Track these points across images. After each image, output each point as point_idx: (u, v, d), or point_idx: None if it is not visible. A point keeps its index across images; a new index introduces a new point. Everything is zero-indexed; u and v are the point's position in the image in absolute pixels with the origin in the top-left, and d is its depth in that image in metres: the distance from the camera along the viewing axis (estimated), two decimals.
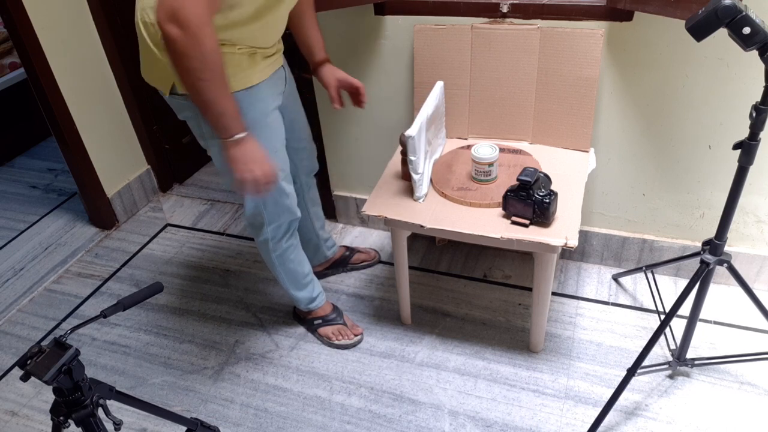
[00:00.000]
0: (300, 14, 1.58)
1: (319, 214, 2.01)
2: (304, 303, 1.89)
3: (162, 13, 1.11)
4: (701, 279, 1.46)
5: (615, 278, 2.06)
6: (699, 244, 1.95)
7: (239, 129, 1.29)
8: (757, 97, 1.22)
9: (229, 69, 1.32)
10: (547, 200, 1.48)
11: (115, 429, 1.25)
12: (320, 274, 2.16)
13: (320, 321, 1.93)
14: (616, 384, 1.56)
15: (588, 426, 1.59)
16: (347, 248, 2.22)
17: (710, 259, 1.44)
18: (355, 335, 1.91)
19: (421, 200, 1.67)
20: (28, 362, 1.10)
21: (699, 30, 1.14)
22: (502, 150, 1.80)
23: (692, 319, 1.55)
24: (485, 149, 1.66)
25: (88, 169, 2.45)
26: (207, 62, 1.16)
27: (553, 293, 2.02)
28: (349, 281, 2.17)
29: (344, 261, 2.18)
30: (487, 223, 1.57)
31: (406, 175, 1.75)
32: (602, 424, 1.58)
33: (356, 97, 1.67)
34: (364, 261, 2.21)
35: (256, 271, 2.26)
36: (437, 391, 1.74)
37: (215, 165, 1.55)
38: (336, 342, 1.90)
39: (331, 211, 2.47)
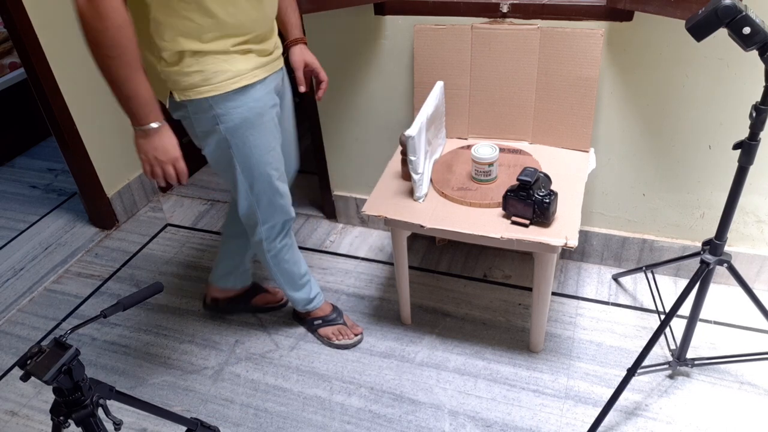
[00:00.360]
0: None
1: None
2: (302, 304, 1.87)
3: None
4: (701, 279, 1.46)
5: (615, 278, 2.06)
6: (699, 244, 1.95)
7: (150, 119, 1.26)
8: (757, 97, 1.22)
9: (221, 66, 1.31)
10: (547, 200, 1.48)
11: (115, 429, 1.25)
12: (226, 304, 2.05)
13: (320, 321, 1.91)
14: (616, 384, 1.56)
15: (588, 426, 1.59)
16: (254, 285, 2.07)
17: (710, 259, 1.44)
18: (356, 335, 1.90)
19: (421, 200, 1.67)
20: (28, 362, 1.10)
21: (699, 30, 1.14)
22: (502, 150, 1.80)
23: (692, 319, 1.55)
24: (485, 149, 1.66)
25: (88, 169, 2.45)
26: (113, 38, 1.14)
27: (553, 293, 2.02)
28: (349, 281, 2.17)
29: (246, 297, 2.03)
30: (487, 223, 1.57)
31: (406, 175, 1.75)
32: (602, 424, 1.58)
33: (317, 88, 1.65)
34: (269, 302, 2.07)
35: (255, 271, 2.25)
36: (437, 391, 1.74)
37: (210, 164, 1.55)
38: (336, 342, 1.89)
39: (331, 211, 2.47)
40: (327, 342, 1.91)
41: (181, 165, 1.34)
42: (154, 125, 1.27)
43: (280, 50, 1.50)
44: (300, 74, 1.60)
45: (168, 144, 1.31)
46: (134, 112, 1.25)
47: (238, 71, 1.35)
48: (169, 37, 1.26)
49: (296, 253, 1.78)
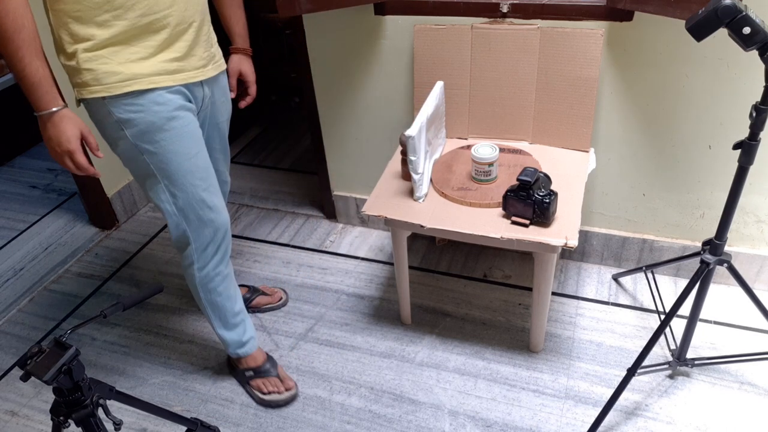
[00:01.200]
0: (222, 3, 1.54)
1: None
2: (233, 347, 1.69)
3: None
4: (701, 279, 1.46)
5: (615, 278, 2.06)
6: (699, 244, 1.95)
7: (43, 105, 1.19)
8: (757, 97, 1.22)
9: (113, 67, 1.23)
10: (547, 200, 1.48)
11: (115, 429, 1.25)
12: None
13: (251, 373, 1.73)
14: (616, 384, 1.57)
15: (588, 426, 1.59)
16: (249, 289, 2.04)
17: (710, 259, 1.44)
18: (287, 389, 1.71)
19: (421, 200, 1.67)
20: (28, 362, 1.10)
21: (699, 30, 1.14)
22: (502, 150, 1.80)
23: (692, 319, 1.55)
24: (485, 149, 1.66)
25: None
26: (4, 18, 1.09)
27: (553, 293, 2.02)
28: (349, 281, 2.17)
29: (244, 301, 1.90)
30: (487, 223, 1.57)
31: (406, 175, 1.75)
32: (602, 424, 1.58)
33: (243, 94, 1.64)
34: (268, 304, 2.04)
35: (255, 271, 2.26)
36: (437, 391, 1.74)
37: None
38: (266, 398, 1.71)
39: (331, 211, 2.47)
40: (257, 398, 1.73)
41: (78, 158, 1.25)
42: (47, 112, 1.19)
43: (210, 63, 1.41)
44: (233, 81, 1.60)
45: (62, 134, 1.22)
46: (30, 97, 1.18)
47: (133, 74, 1.25)
48: (61, 23, 1.20)
49: (232, 287, 1.62)
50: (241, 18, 1.58)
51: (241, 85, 1.65)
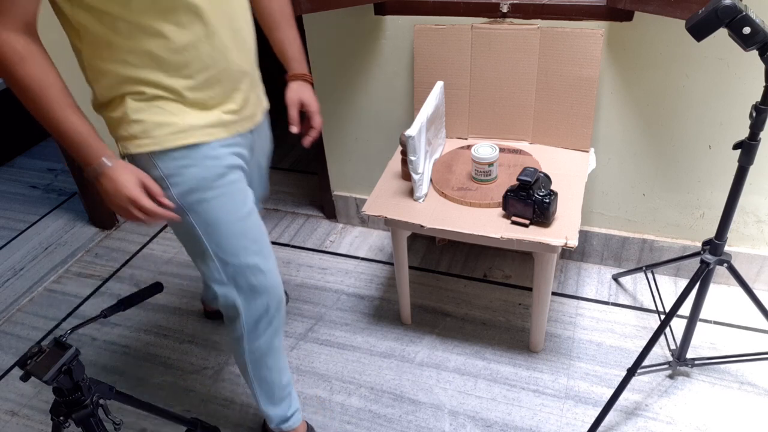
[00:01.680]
0: (272, 26, 1.35)
1: None
2: (276, 422, 1.52)
3: None
4: (701, 279, 1.46)
5: (615, 278, 2.06)
6: (699, 244, 1.95)
7: (93, 159, 1.07)
8: (757, 97, 1.22)
9: (166, 117, 1.11)
10: (547, 200, 1.48)
11: (115, 429, 1.25)
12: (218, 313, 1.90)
13: None
14: (616, 384, 1.56)
15: (588, 426, 1.59)
16: None
17: (710, 259, 1.44)
18: None
19: (421, 200, 1.67)
20: (28, 362, 1.10)
21: (699, 30, 1.14)
22: (502, 150, 1.80)
23: (692, 319, 1.55)
24: (485, 149, 1.66)
25: None
26: (19, 76, 0.98)
27: (553, 293, 2.02)
28: (349, 281, 2.17)
29: None
30: (487, 223, 1.57)
31: (406, 175, 1.75)
32: (602, 424, 1.58)
33: (306, 132, 1.43)
34: None
35: None
36: (437, 391, 1.74)
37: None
38: None
39: (331, 211, 2.47)
40: None
41: (144, 203, 1.10)
42: (96, 166, 1.08)
43: (258, 108, 1.29)
44: (293, 112, 1.38)
45: (120, 185, 1.09)
46: (76, 155, 1.07)
47: (189, 126, 1.13)
48: (106, 82, 1.10)
49: (282, 359, 1.45)
50: (296, 39, 1.39)
51: (302, 116, 1.43)
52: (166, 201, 1.14)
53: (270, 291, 1.31)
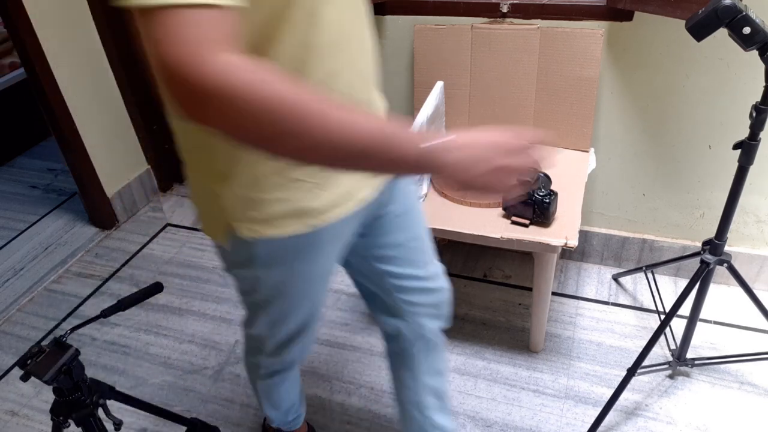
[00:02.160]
0: None
1: (437, 388, 1.32)
2: (278, 421, 1.48)
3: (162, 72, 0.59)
4: (701, 279, 1.46)
5: (615, 278, 2.06)
6: (699, 244, 1.95)
7: (418, 138, 0.72)
8: (757, 97, 1.22)
9: (313, 191, 0.87)
10: (547, 200, 1.48)
11: (115, 429, 1.25)
12: None
13: None
14: (616, 384, 1.56)
15: (588, 426, 1.59)
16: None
17: (710, 259, 1.44)
18: None
19: (420, 200, 1.67)
20: (28, 362, 1.10)
21: (699, 30, 1.14)
22: None
23: (692, 319, 1.55)
24: None
25: (88, 169, 2.44)
26: (269, 104, 0.61)
27: (553, 293, 2.02)
28: (349, 281, 2.16)
29: None
30: (487, 223, 1.57)
31: None
32: (602, 424, 1.58)
33: None
34: None
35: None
36: None
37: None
38: None
39: None
40: None
41: (522, 141, 0.80)
42: (429, 145, 0.72)
43: None
44: None
45: (481, 144, 0.78)
46: (389, 155, 0.70)
47: (332, 202, 0.90)
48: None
49: (295, 385, 1.39)
50: None
51: None
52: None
53: (303, 349, 1.22)
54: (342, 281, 2.16)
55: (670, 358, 1.68)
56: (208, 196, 0.91)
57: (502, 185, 0.78)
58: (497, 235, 1.53)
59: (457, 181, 0.76)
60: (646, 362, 1.54)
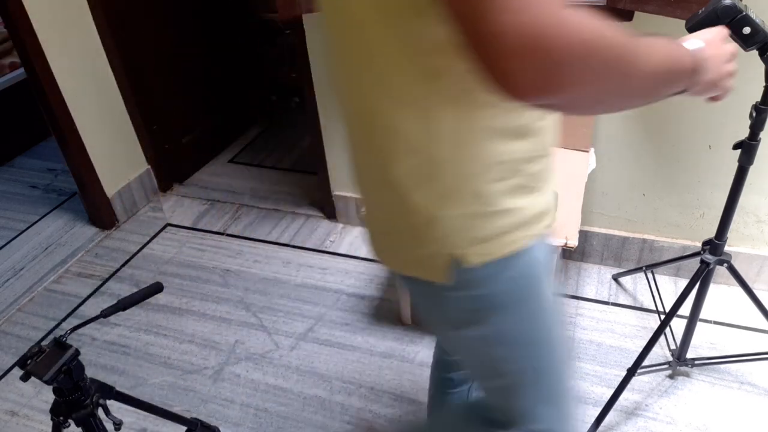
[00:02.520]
0: None
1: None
2: None
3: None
4: (701, 279, 1.46)
5: (615, 278, 2.06)
6: (699, 244, 1.95)
7: (688, 57, 0.74)
8: (757, 97, 1.22)
9: (539, 198, 0.84)
10: None
11: (115, 429, 1.25)
12: None
13: None
14: (616, 384, 1.56)
15: (588, 426, 1.59)
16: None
17: (710, 259, 1.44)
18: None
19: None
20: (28, 362, 1.10)
21: (699, 30, 1.14)
22: None
23: (692, 319, 1.55)
24: None
25: (88, 169, 2.45)
26: (609, 54, 0.58)
27: None
28: (349, 281, 2.17)
29: None
30: None
31: None
32: (602, 424, 1.58)
33: None
34: None
35: (256, 271, 2.26)
36: None
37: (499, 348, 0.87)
38: None
39: (331, 211, 2.47)
40: None
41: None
42: (696, 58, 0.75)
43: None
44: None
45: (718, 50, 0.81)
46: (682, 64, 0.73)
47: (548, 206, 0.85)
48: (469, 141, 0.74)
49: None
50: None
51: None
52: None
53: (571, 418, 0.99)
54: (341, 281, 2.17)
55: (670, 358, 1.68)
56: (419, 228, 0.78)
57: (730, 86, 0.84)
58: None
59: (707, 83, 0.79)
60: (646, 362, 1.54)
